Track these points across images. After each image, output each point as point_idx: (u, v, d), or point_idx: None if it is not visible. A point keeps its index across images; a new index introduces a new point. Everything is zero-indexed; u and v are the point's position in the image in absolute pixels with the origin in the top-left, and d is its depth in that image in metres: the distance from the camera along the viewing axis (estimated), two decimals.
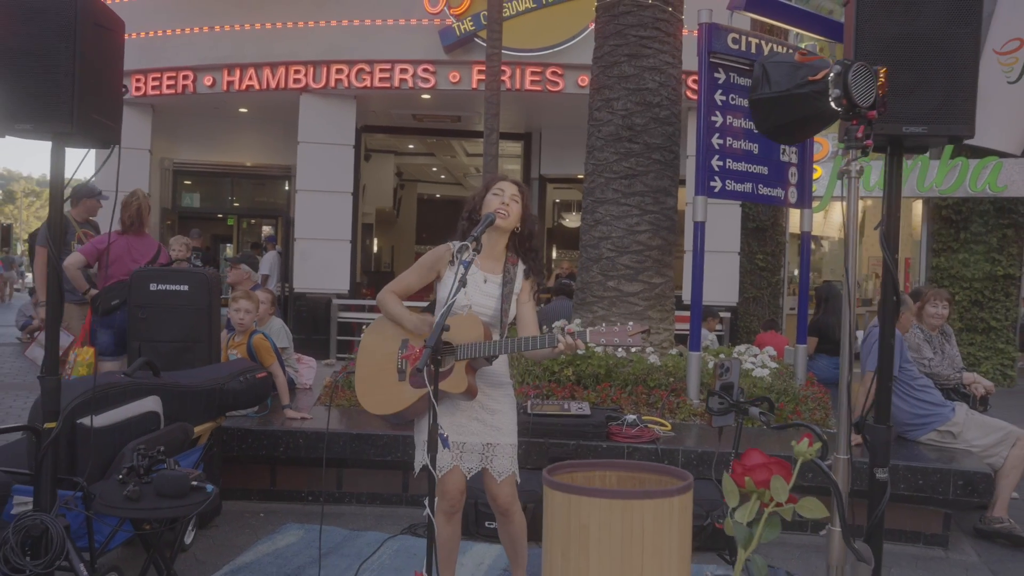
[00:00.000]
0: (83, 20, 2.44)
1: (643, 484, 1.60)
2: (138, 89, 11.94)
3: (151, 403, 3.51)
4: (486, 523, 4.41)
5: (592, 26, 11.07)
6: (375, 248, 19.03)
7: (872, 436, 2.12)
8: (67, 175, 2.68)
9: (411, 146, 16.68)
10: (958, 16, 2.08)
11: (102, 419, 3.23)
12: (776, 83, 1.99)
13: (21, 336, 13.60)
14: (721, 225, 11.19)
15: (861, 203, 14.68)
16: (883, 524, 2.15)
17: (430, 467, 2.70)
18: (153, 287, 4.66)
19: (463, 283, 2.77)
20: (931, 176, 11.94)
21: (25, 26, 2.41)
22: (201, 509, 2.73)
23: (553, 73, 11.27)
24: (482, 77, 11.28)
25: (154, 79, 11.84)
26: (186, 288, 4.66)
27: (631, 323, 2.81)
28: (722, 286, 11.73)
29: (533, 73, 11.25)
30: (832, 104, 1.86)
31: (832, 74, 1.87)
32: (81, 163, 2.59)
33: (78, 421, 3.14)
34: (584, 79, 11.23)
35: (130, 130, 12.13)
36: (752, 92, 2.15)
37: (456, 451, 3.14)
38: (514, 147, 14.05)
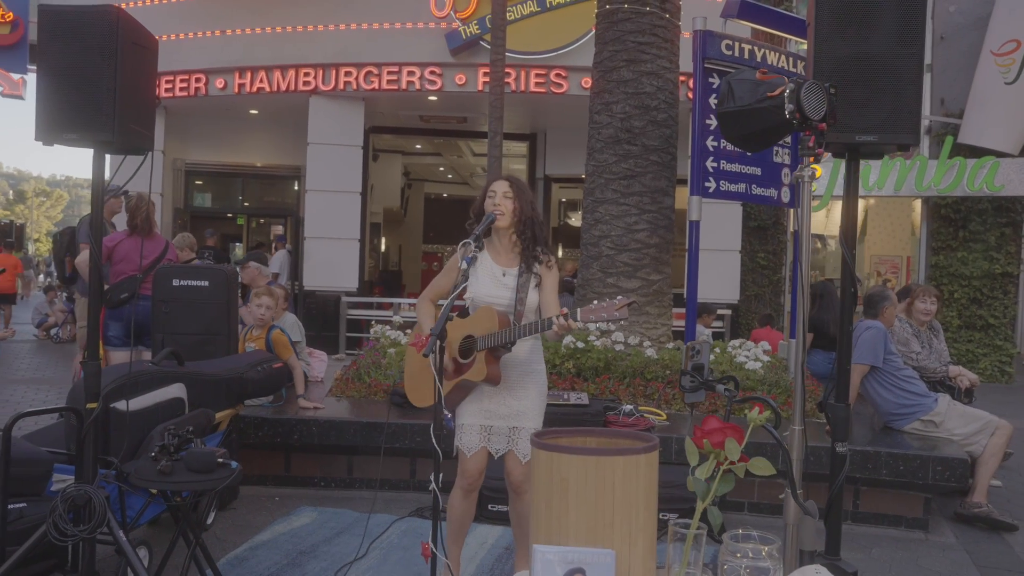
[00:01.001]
0: (123, 40, 2.71)
1: (615, 446, 1.85)
2: None
3: (176, 390, 3.78)
4: (490, 506, 4.66)
5: (595, 29, 11.42)
6: (383, 247, 19.30)
7: (832, 413, 2.36)
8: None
9: (418, 146, 16.91)
10: (904, 39, 2.33)
11: (133, 404, 3.49)
12: (740, 98, 2.24)
13: (38, 333, 13.92)
14: (722, 224, 11.43)
15: (862, 202, 14.75)
16: (842, 495, 2.39)
17: (434, 443, 2.96)
18: (176, 282, 4.95)
19: (466, 277, 3.03)
20: (929, 175, 12.13)
21: (72, 46, 2.68)
22: (227, 484, 2.99)
23: (557, 75, 11.51)
24: (488, 79, 11.51)
25: (167, 81, 12.13)
26: (206, 284, 4.95)
27: (619, 297, 3.04)
28: (723, 284, 11.98)
29: (537, 75, 11.50)
30: (787, 117, 2.11)
31: (787, 91, 2.12)
32: (119, 167, 2.85)
33: (112, 405, 3.40)
34: (587, 81, 11.41)
35: None
36: (719, 106, 2.40)
37: (484, 434, 3.40)
38: (519, 147, 14.31)
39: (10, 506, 2.99)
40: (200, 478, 2.94)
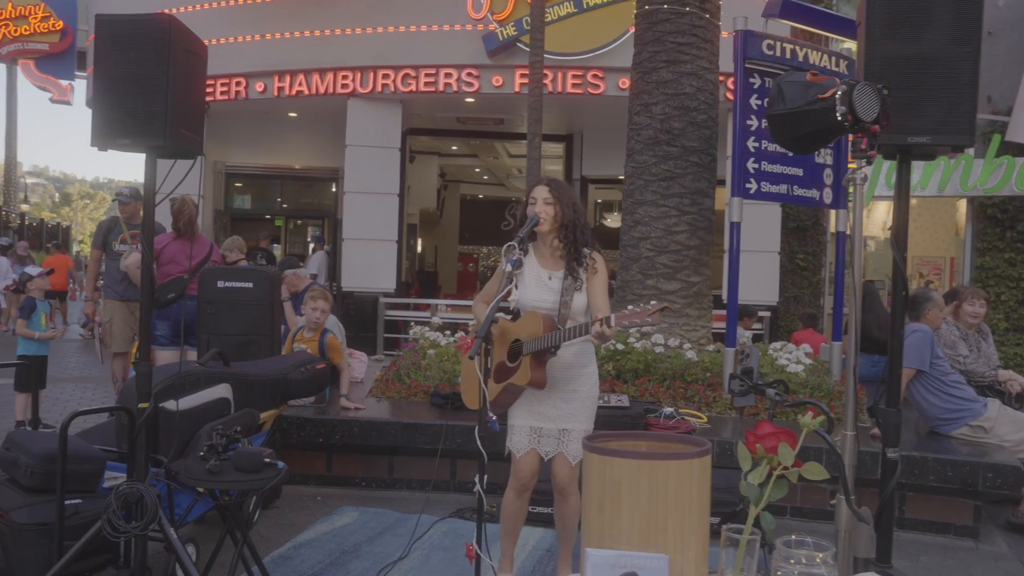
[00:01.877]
0: (175, 47, 2.77)
1: (667, 451, 1.85)
2: None
3: (222, 390, 3.84)
4: (531, 508, 4.66)
5: (632, 30, 11.35)
6: (419, 248, 19.40)
7: (883, 418, 2.32)
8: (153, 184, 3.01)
9: (454, 148, 16.96)
10: (959, 37, 2.29)
11: (182, 403, 3.56)
12: (790, 100, 2.21)
13: (83, 333, 14.21)
14: (761, 225, 11.30)
15: None
16: (894, 501, 2.36)
17: (479, 446, 2.98)
18: (220, 284, 5.03)
19: (510, 280, 3.04)
20: (975, 175, 11.89)
21: (127, 54, 2.74)
22: (274, 483, 3.03)
23: (594, 76, 11.47)
24: (524, 81, 11.51)
25: (208, 85, 12.26)
26: (250, 285, 5.02)
27: (652, 302, 3.03)
28: (762, 285, 11.84)
29: (575, 76, 11.47)
30: (839, 119, 2.09)
31: (839, 93, 2.10)
32: (169, 172, 2.90)
33: (161, 405, 3.46)
34: (625, 82, 11.39)
35: None
36: (769, 108, 2.37)
37: (534, 436, 3.43)
38: (556, 148, 14.29)
39: (68, 501, 3.06)
40: (248, 478, 2.98)
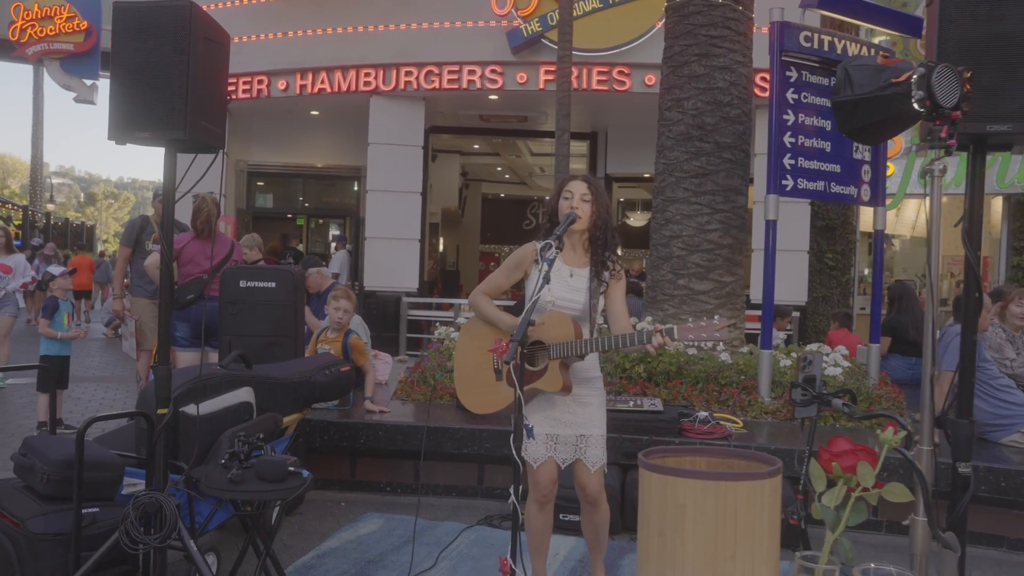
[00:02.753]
0: (195, 35, 2.63)
1: (732, 469, 1.68)
2: None
3: (245, 394, 3.71)
4: (561, 515, 4.50)
5: (659, 25, 11.16)
6: (441, 247, 19.29)
7: (954, 431, 2.14)
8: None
9: (476, 146, 16.84)
10: None
11: (202, 408, 3.43)
12: (859, 85, 2.04)
13: (107, 332, 14.22)
14: (790, 224, 11.05)
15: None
16: (966, 519, 2.18)
17: (515, 454, 2.82)
18: (243, 284, 4.90)
19: (547, 279, 2.88)
20: (1012, 172, 11.60)
21: (145, 43, 2.61)
22: (298, 493, 2.90)
23: (620, 72, 11.29)
24: (549, 77, 11.39)
25: (230, 84, 12.23)
26: (273, 285, 4.89)
27: (717, 317, 2.90)
28: (791, 285, 11.58)
29: (600, 73, 11.30)
30: (915, 105, 1.91)
31: (916, 76, 1.92)
32: (190, 167, 2.77)
33: (181, 410, 3.33)
34: (651, 78, 11.24)
35: None
36: (835, 95, 2.20)
37: (551, 443, 3.28)
38: (579, 146, 14.11)
39: (85, 510, 2.94)
40: (271, 487, 2.85)
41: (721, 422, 5.07)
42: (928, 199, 2.06)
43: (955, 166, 12.13)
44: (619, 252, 3.32)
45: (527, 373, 3.13)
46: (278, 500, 3.03)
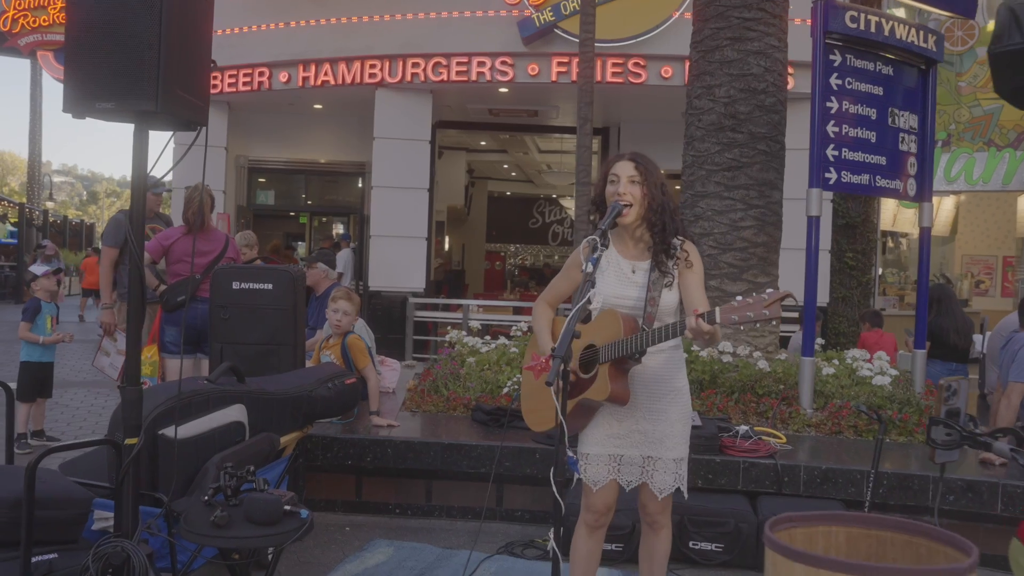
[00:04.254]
0: None
1: (884, 546, 1.20)
2: (214, 87, 11.91)
3: (236, 412, 3.24)
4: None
5: (676, 15, 10.71)
6: (446, 246, 18.87)
7: None
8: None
9: (483, 143, 16.43)
10: None
11: (185, 430, 2.97)
12: None
13: (102, 333, 13.75)
14: (802, 220, 10.57)
15: (954, 198, 13.68)
16: None
17: (555, 493, 2.35)
18: (236, 285, 4.39)
19: (592, 283, 2.41)
20: None
21: None
22: (296, 539, 2.43)
23: (635, 64, 10.83)
24: (561, 69, 10.94)
25: (230, 76, 11.79)
26: (270, 287, 4.38)
27: (768, 290, 2.40)
28: (803, 283, 11.11)
29: (615, 65, 10.83)
30: None
31: None
32: (165, 147, 2.30)
33: (160, 432, 2.87)
34: (668, 70, 10.79)
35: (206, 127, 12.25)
36: (994, 44, 1.74)
37: (613, 464, 2.82)
38: (592, 142, 13.63)
39: (38, 558, 2.46)
40: (262, 532, 2.38)
41: (763, 437, 4.61)
42: None
43: (983, 163, 11.68)
44: (689, 235, 2.83)
45: (580, 382, 2.66)
46: (271, 546, 2.55)
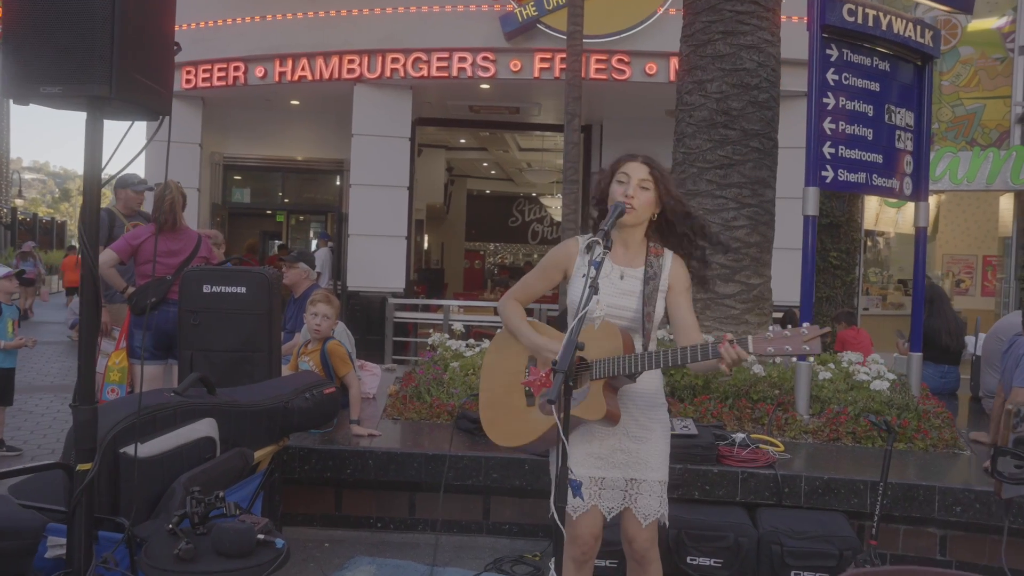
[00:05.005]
0: None
1: None
2: (188, 82, 11.63)
3: (206, 427, 3.00)
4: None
5: (660, 11, 10.53)
6: (426, 245, 18.62)
7: None
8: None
9: (462, 140, 16.23)
10: None
11: (149, 448, 2.74)
12: None
13: (71, 335, 13.39)
14: (791, 220, 10.47)
15: (935, 197, 13.64)
16: None
17: (556, 518, 2.14)
18: (207, 289, 4.12)
19: (595, 289, 2.20)
20: None
21: None
22: (271, 572, 2.20)
23: (619, 61, 10.66)
24: (544, 65, 10.74)
25: (204, 71, 11.49)
26: (244, 290, 4.12)
27: (805, 325, 2.24)
28: (794, 285, 10.98)
29: (598, 61, 10.65)
30: None
31: None
32: (124, 138, 2.06)
33: (121, 451, 2.63)
34: (652, 67, 10.62)
35: (180, 124, 11.88)
36: None
37: (595, 488, 2.61)
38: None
39: None
40: (233, 565, 2.15)
41: (761, 446, 4.42)
42: None
43: (967, 162, 11.63)
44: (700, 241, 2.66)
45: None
46: None
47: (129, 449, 2.65)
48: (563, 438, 2.05)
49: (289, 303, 6.15)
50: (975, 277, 14.89)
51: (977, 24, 12.77)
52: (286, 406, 3.46)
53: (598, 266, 2.25)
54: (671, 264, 2.64)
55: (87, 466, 2.06)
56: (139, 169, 14.35)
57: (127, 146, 2.41)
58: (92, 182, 2.08)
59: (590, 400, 2.46)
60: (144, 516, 2.71)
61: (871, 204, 13.11)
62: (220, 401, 3.17)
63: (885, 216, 13.98)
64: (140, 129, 2.34)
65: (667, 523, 2.68)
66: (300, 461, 4.28)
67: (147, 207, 5.90)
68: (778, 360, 5.02)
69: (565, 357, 2.04)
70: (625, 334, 2.48)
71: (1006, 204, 12.90)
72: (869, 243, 14.69)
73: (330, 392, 3.76)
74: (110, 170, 2.09)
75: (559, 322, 2.96)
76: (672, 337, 2.84)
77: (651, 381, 2.67)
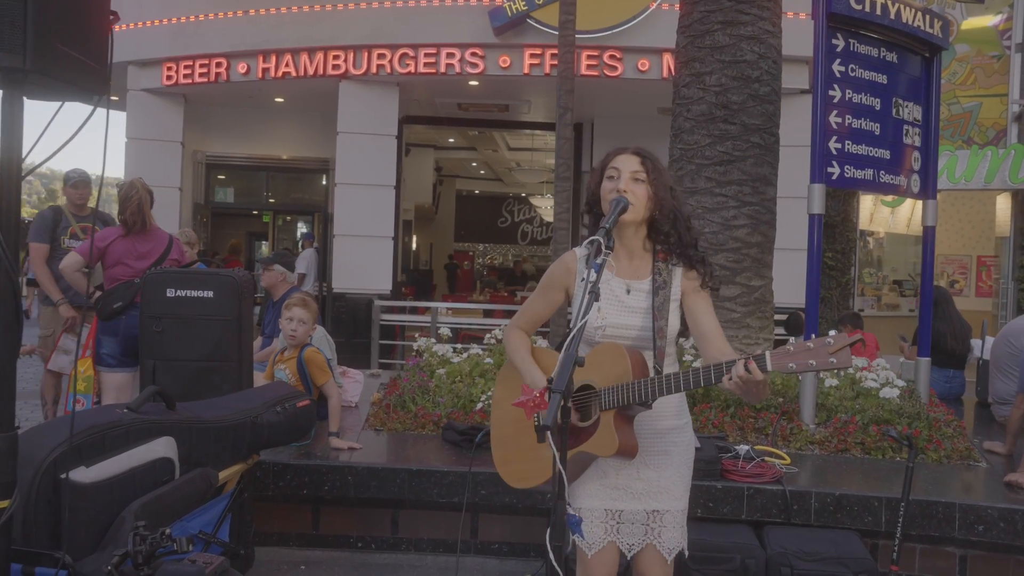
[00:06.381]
0: None
1: None
2: (169, 78, 11.31)
3: (162, 447, 2.71)
4: None
5: (653, 6, 10.28)
6: (414, 245, 18.34)
7: None
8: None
9: (451, 140, 15.98)
10: None
11: (96, 471, 2.45)
12: None
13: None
14: (789, 220, 10.26)
15: None
16: None
17: (551, 557, 1.87)
18: (171, 293, 3.81)
19: (595, 294, 1.93)
20: None
21: None
22: None
23: (611, 57, 10.41)
24: (534, 61, 10.47)
25: (186, 67, 11.17)
26: (211, 294, 3.81)
27: (831, 334, 1.96)
28: (791, 286, 10.74)
29: (589, 57, 10.39)
30: None
31: None
32: (51, 121, 1.77)
33: (63, 476, 2.35)
34: (645, 63, 10.37)
35: (162, 121, 11.59)
36: None
37: (611, 522, 2.33)
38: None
39: None
40: None
41: (767, 459, 4.16)
42: None
43: (965, 161, 11.44)
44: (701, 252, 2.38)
45: (575, 430, 2.16)
46: None
47: (73, 474, 2.37)
48: (560, 467, 1.77)
49: (268, 307, 5.86)
50: (969, 278, 14.72)
51: (973, 21, 12.60)
52: (254, 421, 3.17)
53: (599, 268, 1.98)
54: (683, 267, 2.37)
55: (5, 503, 1.78)
56: (117, 165, 14.02)
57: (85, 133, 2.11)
58: (11, 170, 1.78)
59: (601, 434, 2.17)
60: (90, 549, 2.42)
61: (866, 203, 12.91)
62: (180, 417, 2.88)
63: (879, 215, 13.78)
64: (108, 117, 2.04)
65: (687, 551, 2.41)
66: (274, 477, 3.99)
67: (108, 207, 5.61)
68: (800, 376, 4.74)
69: (562, 375, 1.77)
70: (634, 355, 2.20)
71: (1003, 203, 12.72)
72: (861, 243, 14.51)
73: (304, 405, 3.47)
74: (35, 158, 1.79)
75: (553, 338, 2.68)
76: (694, 344, 2.55)
77: (671, 407, 2.39)
